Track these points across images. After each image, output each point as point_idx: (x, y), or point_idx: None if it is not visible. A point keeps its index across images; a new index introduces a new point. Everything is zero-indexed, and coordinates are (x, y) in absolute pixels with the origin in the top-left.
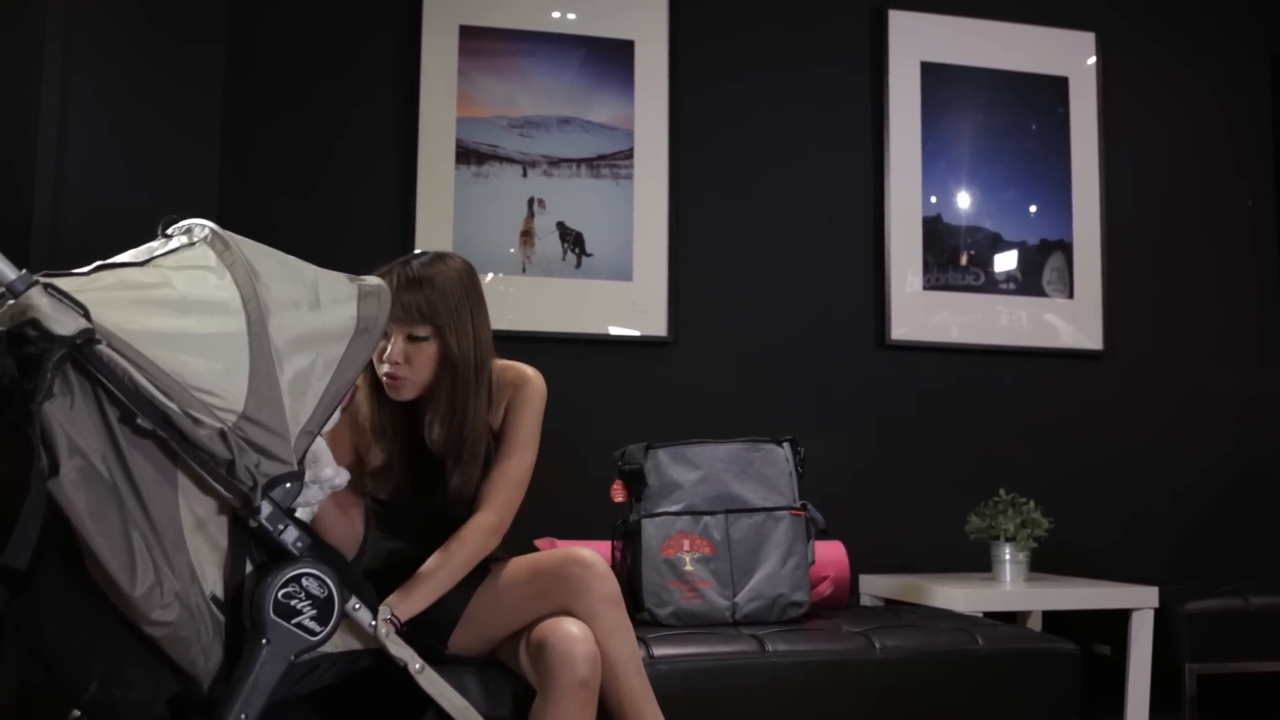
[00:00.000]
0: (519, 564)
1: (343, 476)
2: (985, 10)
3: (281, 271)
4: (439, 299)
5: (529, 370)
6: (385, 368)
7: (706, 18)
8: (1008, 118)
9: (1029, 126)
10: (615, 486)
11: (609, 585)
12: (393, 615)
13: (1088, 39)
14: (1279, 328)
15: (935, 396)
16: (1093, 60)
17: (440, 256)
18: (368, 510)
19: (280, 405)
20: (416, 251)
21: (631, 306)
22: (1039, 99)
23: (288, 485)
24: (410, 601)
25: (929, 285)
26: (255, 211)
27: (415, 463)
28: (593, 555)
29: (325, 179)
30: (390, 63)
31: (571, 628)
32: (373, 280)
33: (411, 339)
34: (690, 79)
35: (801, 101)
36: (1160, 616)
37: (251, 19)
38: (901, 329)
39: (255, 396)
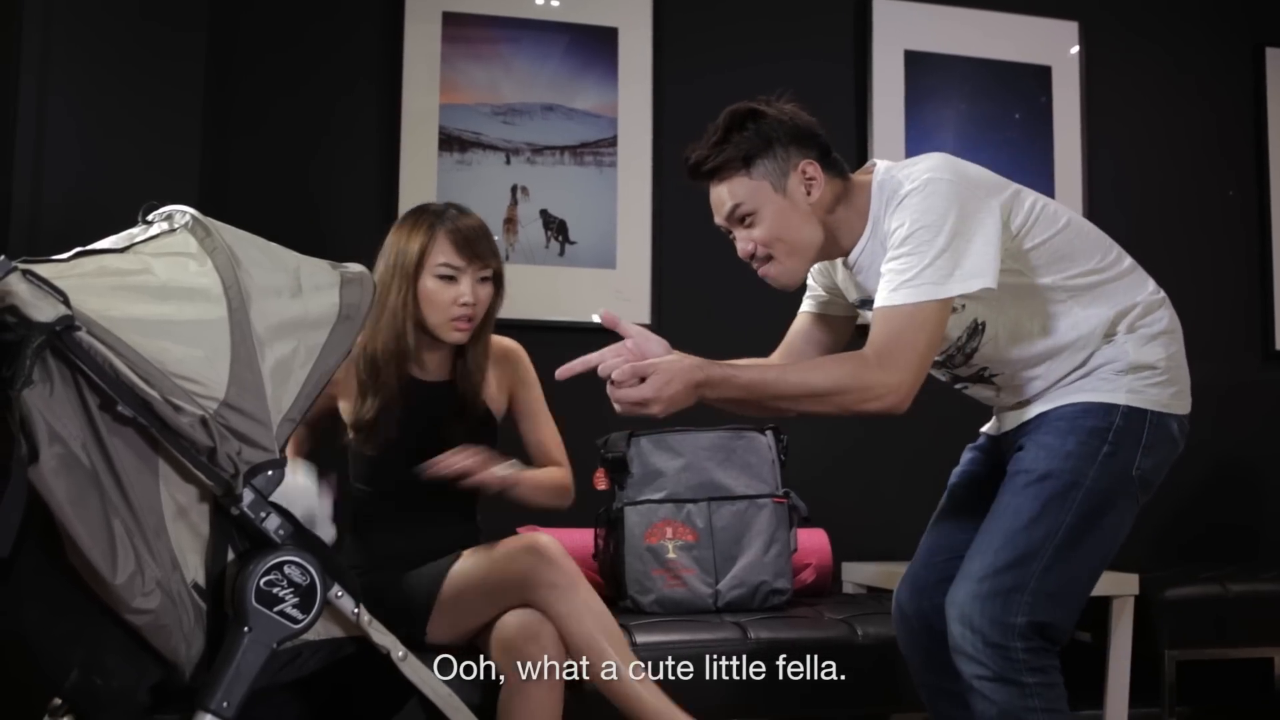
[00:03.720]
0: (477, 558)
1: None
2: None
3: (263, 258)
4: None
5: (514, 343)
6: (460, 310)
7: (691, 5)
8: (991, 107)
9: (1012, 115)
10: (598, 474)
11: (559, 569)
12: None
13: (1070, 28)
14: (1258, 316)
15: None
16: (1075, 50)
17: None
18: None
19: (262, 392)
20: (440, 203)
21: (615, 294)
22: (1022, 88)
23: (269, 473)
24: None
25: None
26: (236, 197)
27: (407, 417)
28: (545, 541)
29: (307, 165)
30: (373, 49)
31: (528, 621)
32: (355, 267)
33: (483, 280)
34: (674, 66)
35: (785, 90)
36: (1140, 603)
37: (234, 5)
38: None
39: (236, 384)
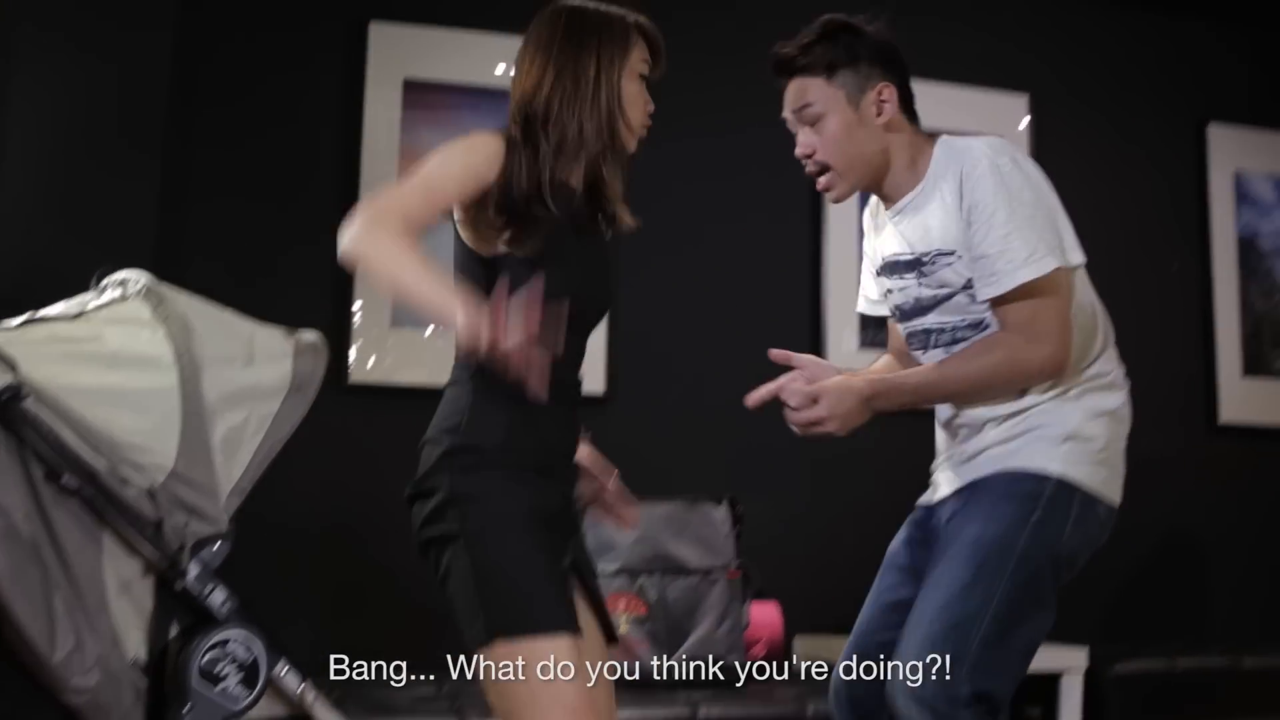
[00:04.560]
0: None
1: None
2: (920, 71)
3: (216, 327)
4: None
5: None
6: (648, 116)
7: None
8: None
9: None
10: None
11: None
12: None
13: (1021, 101)
14: (1202, 389)
15: (872, 453)
16: (1026, 122)
17: None
18: None
19: (211, 463)
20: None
21: None
22: None
23: (215, 546)
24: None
25: (865, 343)
26: (192, 263)
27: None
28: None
29: (264, 231)
30: (333, 114)
31: None
32: (310, 335)
33: None
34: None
35: (742, 162)
36: (1089, 678)
37: (194, 65)
38: None
39: (185, 455)
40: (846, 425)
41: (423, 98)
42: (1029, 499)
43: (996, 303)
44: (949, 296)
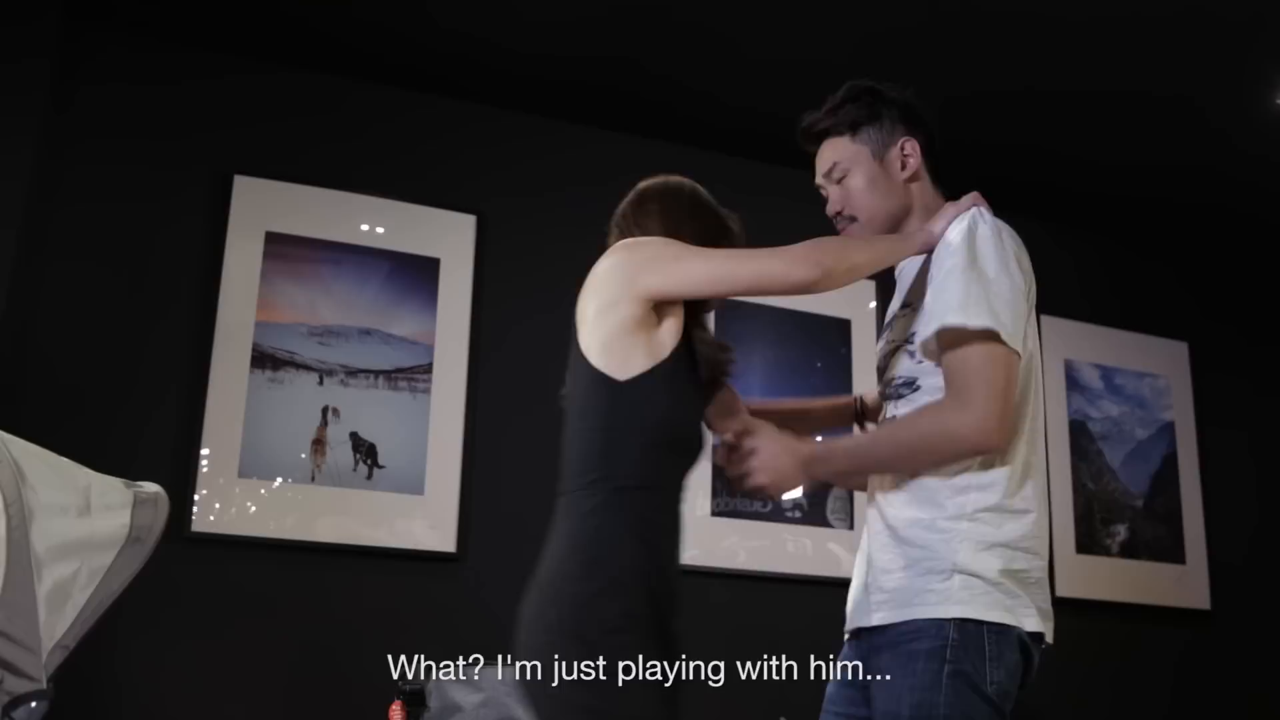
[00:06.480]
0: None
1: None
2: None
3: (51, 474)
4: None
5: None
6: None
7: (513, 235)
8: (796, 354)
9: (815, 364)
10: (394, 707)
11: None
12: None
13: (869, 286)
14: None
15: (719, 618)
16: (873, 305)
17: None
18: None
19: (34, 617)
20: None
21: (421, 520)
22: (824, 339)
23: (33, 705)
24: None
25: (717, 511)
26: (33, 407)
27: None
28: None
29: (110, 377)
30: (192, 260)
31: None
32: (150, 487)
33: None
34: (493, 299)
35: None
36: None
37: (51, 194)
38: (692, 553)
39: (6, 608)
40: (775, 476)
41: (283, 250)
42: (934, 654)
43: (942, 354)
44: (894, 351)
